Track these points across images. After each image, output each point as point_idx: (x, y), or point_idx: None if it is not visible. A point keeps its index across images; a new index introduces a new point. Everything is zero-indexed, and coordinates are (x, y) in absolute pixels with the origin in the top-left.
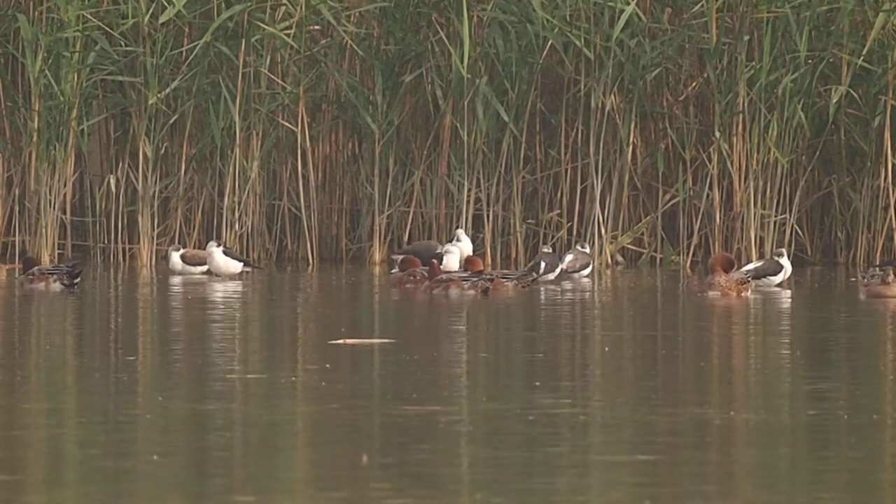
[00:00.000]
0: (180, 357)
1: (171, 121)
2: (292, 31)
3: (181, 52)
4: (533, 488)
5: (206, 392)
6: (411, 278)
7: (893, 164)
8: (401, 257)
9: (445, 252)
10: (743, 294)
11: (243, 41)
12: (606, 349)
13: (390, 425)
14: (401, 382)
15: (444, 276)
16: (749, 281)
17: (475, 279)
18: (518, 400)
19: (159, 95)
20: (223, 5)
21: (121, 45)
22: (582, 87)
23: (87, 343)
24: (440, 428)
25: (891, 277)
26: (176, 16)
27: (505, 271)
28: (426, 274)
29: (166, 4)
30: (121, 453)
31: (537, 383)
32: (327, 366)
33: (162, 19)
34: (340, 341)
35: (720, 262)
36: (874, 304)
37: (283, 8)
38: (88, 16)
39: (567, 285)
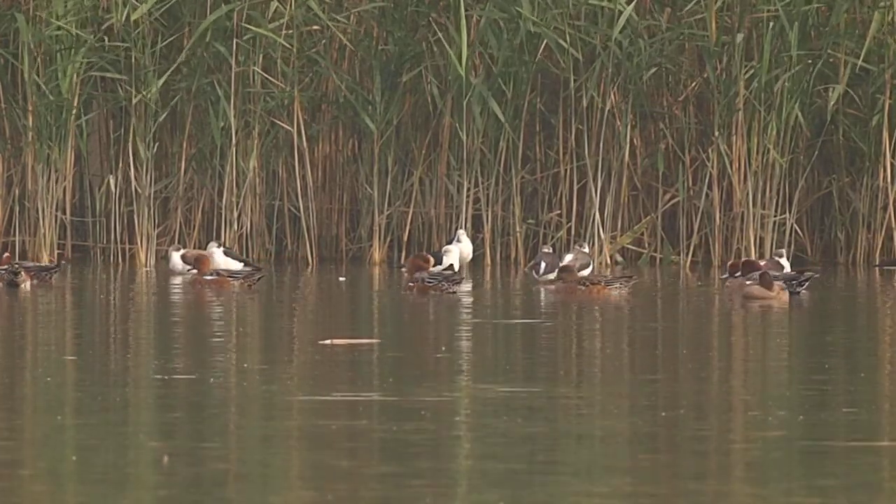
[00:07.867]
0: (135, 356)
1: (162, 118)
2: (284, 31)
3: (176, 50)
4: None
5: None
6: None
7: (892, 164)
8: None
9: (445, 252)
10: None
11: (235, 40)
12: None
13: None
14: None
15: None
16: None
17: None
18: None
19: (144, 93)
20: (217, 3)
21: (105, 42)
22: (577, 87)
23: (63, 343)
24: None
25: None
26: (170, 13)
27: (231, 270)
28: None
29: (137, 3)
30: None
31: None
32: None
33: (134, 17)
34: (328, 341)
35: (415, 264)
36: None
37: (275, 6)
38: (59, 14)
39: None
